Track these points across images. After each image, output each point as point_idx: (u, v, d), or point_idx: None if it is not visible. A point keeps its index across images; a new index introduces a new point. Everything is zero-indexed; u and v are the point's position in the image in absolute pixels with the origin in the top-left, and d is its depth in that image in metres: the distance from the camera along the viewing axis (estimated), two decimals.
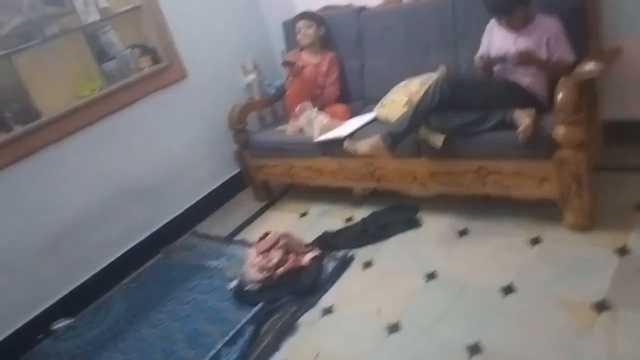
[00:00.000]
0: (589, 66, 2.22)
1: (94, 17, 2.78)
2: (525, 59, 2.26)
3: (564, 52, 2.33)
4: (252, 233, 3.01)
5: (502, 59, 2.33)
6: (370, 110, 2.93)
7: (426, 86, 2.52)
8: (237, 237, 3.07)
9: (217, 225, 3.28)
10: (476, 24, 2.63)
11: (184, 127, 3.24)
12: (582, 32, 2.42)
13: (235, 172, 3.44)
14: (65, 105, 2.72)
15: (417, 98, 2.53)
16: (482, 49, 2.55)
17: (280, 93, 3.37)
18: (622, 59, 2.42)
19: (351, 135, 2.69)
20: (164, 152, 3.15)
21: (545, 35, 2.32)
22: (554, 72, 2.34)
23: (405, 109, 2.55)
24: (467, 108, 2.35)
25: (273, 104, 3.46)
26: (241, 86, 3.49)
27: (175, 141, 3.21)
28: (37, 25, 2.60)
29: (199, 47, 3.27)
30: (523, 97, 2.34)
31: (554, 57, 2.33)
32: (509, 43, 2.38)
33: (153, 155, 3.10)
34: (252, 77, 3.53)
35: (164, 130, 3.15)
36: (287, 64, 3.08)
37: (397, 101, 2.64)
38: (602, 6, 2.45)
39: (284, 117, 3.29)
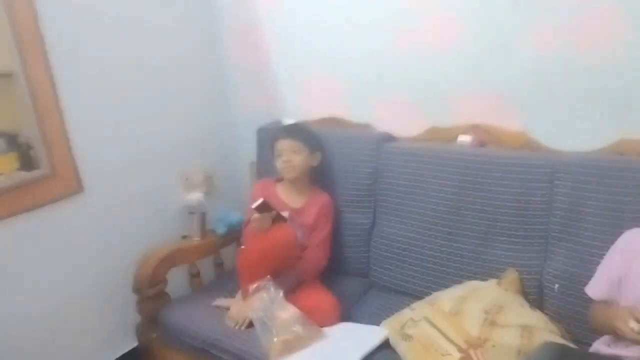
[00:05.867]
0: None
1: None
2: None
3: None
4: None
5: None
6: (374, 317, 1.69)
7: (502, 335, 1.29)
8: None
9: None
10: (593, 217, 1.47)
11: (64, 270, 1.90)
12: None
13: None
14: None
15: (477, 359, 1.29)
16: (606, 277, 1.36)
17: (234, 236, 2.11)
18: None
19: None
20: (23, 306, 1.80)
21: None
22: None
23: None
24: None
25: (219, 251, 2.16)
26: (177, 209, 2.22)
27: (44, 292, 1.86)
28: None
29: (115, 145, 2.01)
30: None
31: None
32: None
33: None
34: (197, 195, 2.25)
35: (26, 273, 1.81)
36: (263, 208, 1.74)
37: (440, 350, 1.36)
38: None
39: (232, 278, 1.99)
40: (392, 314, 1.67)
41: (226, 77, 2.39)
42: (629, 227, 1.38)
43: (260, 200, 1.71)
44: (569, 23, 1.58)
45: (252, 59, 2.30)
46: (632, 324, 1.14)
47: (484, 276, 1.66)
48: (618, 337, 1.26)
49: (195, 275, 2.06)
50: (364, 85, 2.05)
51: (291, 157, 1.88)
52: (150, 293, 1.88)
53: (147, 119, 2.10)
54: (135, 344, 2.07)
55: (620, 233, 1.38)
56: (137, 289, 1.88)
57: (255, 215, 1.73)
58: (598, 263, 1.42)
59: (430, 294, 1.71)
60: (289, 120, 2.10)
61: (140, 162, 2.09)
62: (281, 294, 1.70)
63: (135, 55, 2.03)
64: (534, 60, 1.66)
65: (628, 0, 1.48)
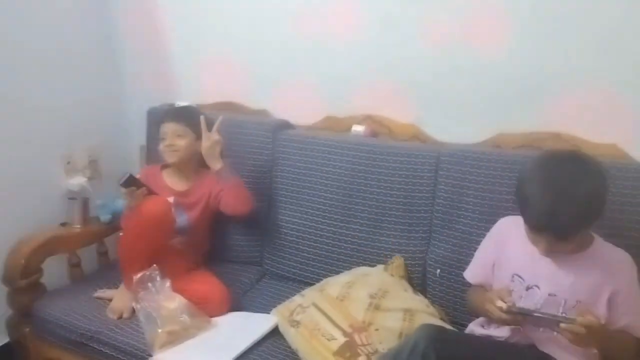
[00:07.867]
0: None
1: None
2: (595, 333, 1.16)
3: (636, 318, 1.29)
4: None
5: (548, 320, 1.21)
6: (266, 305, 1.69)
7: (385, 319, 1.33)
8: None
9: None
10: (472, 205, 1.55)
11: None
12: None
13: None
14: None
15: (361, 343, 1.32)
16: (481, 261, 1.45)
17: (119, 224, 1.99)
18: None
19: None
20: None
21: (609, 286, 1.27)
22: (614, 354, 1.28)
23: None
24: None
25: (102, 240, 2.03)
26: (56, 194, 2.05)
27: None
28: None
29: None
30: None
31: (619, 323, 1.27)
32: (542, 272, 1.29)
33: None
34: (80, 180, 2.10)
35: None
36: (131, 182, 1.66)
37: (325, 335, 1.38)
38: None
39: (116, 268, 1.86)
40: (284, 301, 1.67)
41: (117, 54, 2.25)
42: (504, 215, 1.48)
43: (126, 175, 1.63)
44: (457, 20, 1.65)
45: (146, 36, 2.19)
46: (499, 303, 1.22)
47: (373, 262, 1.71)
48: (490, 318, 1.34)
49: (75, 265, 1.92)
50: (262, 71, 2.01)
51: (175, 141, 1.79)
52: (23, 284, 1.72)
53: (24, 94, 1.92)
54: (6, 339, 1.90)
55: (496, 221, 1.48)
56: (7, 280, 1.72)
57: (123, 190, 1.65)
58: (476, 249, 1.50)
59: (322, 280, 1.73)
60: (182, 103, 2.02)
61: (15, 141, 1.91)
62: (168, 284, 1.62)
63: (13, 24, 1.84)
64: (426, 54, 1.72)
65: (513, 2, 1.57)
